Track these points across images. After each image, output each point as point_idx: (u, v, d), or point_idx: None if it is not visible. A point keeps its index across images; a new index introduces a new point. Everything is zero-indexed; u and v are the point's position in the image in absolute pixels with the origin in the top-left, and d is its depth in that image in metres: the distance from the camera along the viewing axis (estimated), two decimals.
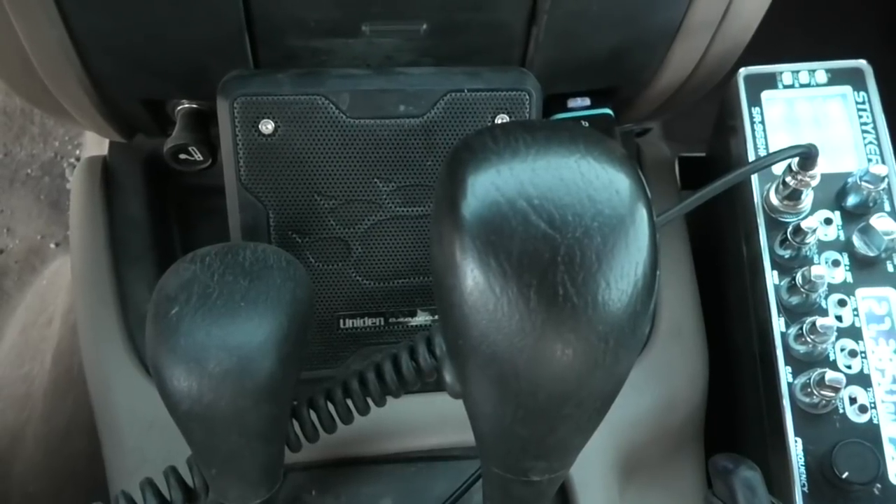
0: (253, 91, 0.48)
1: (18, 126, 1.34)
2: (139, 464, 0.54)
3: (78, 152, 1.33)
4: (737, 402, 0.61)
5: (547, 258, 0.27)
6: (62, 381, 0.87)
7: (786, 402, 0.51)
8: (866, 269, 0.53)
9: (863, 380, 0.51)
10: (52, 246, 1.24)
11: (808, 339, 0.50)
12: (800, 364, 0.52)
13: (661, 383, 0.60)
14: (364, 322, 0.54)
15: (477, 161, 0.30)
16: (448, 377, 0.36)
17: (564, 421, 0.31)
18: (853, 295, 0.53)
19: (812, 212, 0.55)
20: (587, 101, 0.60)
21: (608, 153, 0.30)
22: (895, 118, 0.63)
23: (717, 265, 0.65)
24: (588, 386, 0.30)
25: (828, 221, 0.55)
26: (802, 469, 0.49)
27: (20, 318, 1.06)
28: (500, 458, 0.35)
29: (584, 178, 0.29)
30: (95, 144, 0.73)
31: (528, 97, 0.50)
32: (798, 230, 0.52)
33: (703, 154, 0.73)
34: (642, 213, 0.29)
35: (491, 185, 0.29)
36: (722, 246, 0.64)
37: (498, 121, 0.51)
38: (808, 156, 0.51)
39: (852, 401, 0.50)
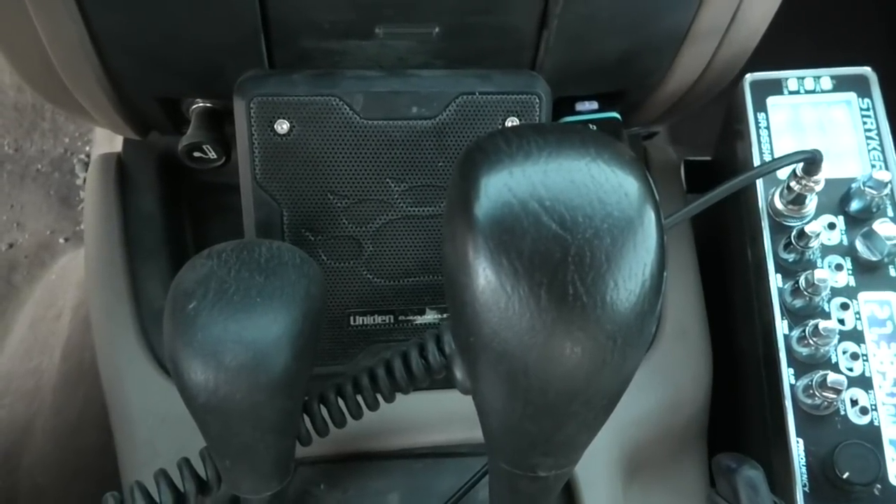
0: (269, 91, 0.49)
1: (29, 122, 1.35)
2: (151, 457, 0.55)
3: (88, 149, 1.34)
4: (740, 403, 0.62)
5: (558, 258, 0.28)
6: (72, 376, 0.88)
7: (788, 404, 0.51)
8: (869, 273, 0.54)
9: (864, 382, 0.51)
10: (62, 241, 1.25)
11: (811, 342, 0.51)
12: (802, 366, 0.52)
13: (665, 383, 0.60)
14: (374, 319, 0.55)
15: (490, 163, 0.30)
16: (458, 373, 0.37)
17: (572, 418, 0.32)
18: (855, 298, 0.54)
19: (816, 216, 0.56)
20: (595, 105, 0.61)
21: (618, 156, 0.31)
22: None
23: (723, 268, 0.66)
24: (596, 383, 0.30)
25: (831, 226, 0.55)
26: (804, 469, 0.50)
27: (29, 313, 1.07)
28: (507, 454, 0.36)
29: (595, 181, 0.30)
30: (105, 141, 0.74)
31: (538, 100, 0.51)
32: (802, 234, 0.53)
33: (709, 158, 0.73)
34: (650, 216, 0.30)
35: (503, 186, 0.29)
36: (727, 249, 0.65)
37: (508, 123, 0.51)
38: (812, 161, 0.52)
39: (853, 403, 0.51)
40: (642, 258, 0.29)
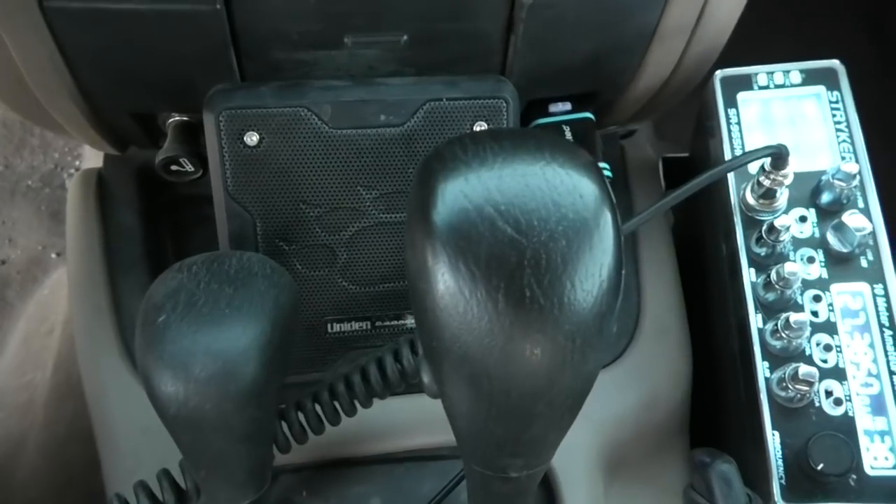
0: (238, 104, 0.49)
1: (18, 138, 1.35)
2: (135, 467, 0.55)
3: (78, 163, 1.34)
4: (719, 398, 0.62)
5: (514, 262, 0.28)
6: (62, 389, 0.89)
7: (763, 397, 0.52)
8: (841, 265, 0.54)
9: (838, 373, 0.52)
10: (53, 256, 1.25)
11: (784, 335, 0.51)
12: (776, 359, 0.53)
13: (645, 381, 0.61)
14: (351, 326, 0.55)
15: (446, 170, 0.31)
16: (426, 378, 0.37)
17: (537, 418, 0.32)
18: (828, 290, 0.54)
19: (787, 210, 0.56)
20: (568, 106, 0.61)
21: (572, 159, 0.32)
22: (879, 115, 0.64)
23: (700, 264, 0.66)
24: (558, 384, 0.31)
25: (803, 219, 0.56)
26: (780, 462, 0.50)
27: (22, 328, 1.08)
28: (478, 456, 0.36)
29: (549, 184, 0.30)
30: (95, 156, 0.74)
31: (505, 104, 0.52)
32: (772, 228, 0.53)
33: (687, 154, 0.74)
34: (606, 217, 0.30)
35: (459, 192, 0.30)
36: (703, 245, 0.65)
37: (476, 128, 0.52)
38: (778, 156, 0.52)
39: (828, 394, 0.51)
40: (599, 259, 0.30)
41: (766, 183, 0.54)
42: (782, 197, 0.56)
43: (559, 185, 0.30)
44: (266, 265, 0.41)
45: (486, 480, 0.37)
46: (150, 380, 0.37)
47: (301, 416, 0.46)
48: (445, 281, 0.29)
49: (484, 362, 0.30)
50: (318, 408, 0.46)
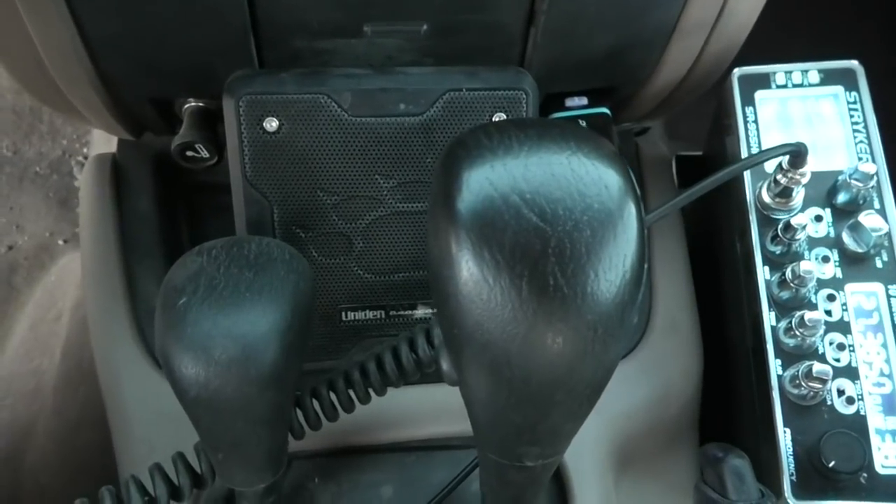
0: (258, 90, 0.49)
1: (27, 124, 1.35)
2: (148, 453, 0.55)
3: (86, 150, 1.34)
4: (731, 394, 0.62)
5: (538, 250, 0.28)
6: (72, 376, 0.89)
7: (775, 394, 0.52)
8: (855, 265, 0.54)
9: (850, 372, 0.52)
10: (61, 243, 1.26)
11: (797, 333, 0.51)
12: (789, 357, 0.53)
13: (656, 376, 0.61)
14: (366, 315, 0.55)
15: (471, 157, 0.31)
16: (444, 365, 0.37)
17: (556, 407, 0.32)
18: (842, 290, 0.54)
19: (803, 209, 0.56)
20: (585, 101, 0.61)
21: (598, 150, 0.32)
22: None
23: (714, 261, 0.66)
24: (578, 373, 0.31)
25: (818, 218, 0.56)
26: (791, 459, 0.50)
27: (29, 314, 1.08)
28: (494, 444, 0.36)
29: (575, 174, 0.30)
30: (103, 142, 0.74)
31: (524, 96, 0.52)
32: (788, 227, 0.53)
33: (700, 153, 0.74)
34: (630, 208, 0.30)
35: (485, 179, 0.30)
36: (718, 242, 0.65)
37: (495, 119, 0.52)
38: (797, 154, 0.52)
39: (840, 393, 0.52)
40: (622, 249, 0.30)
41: (783, 181, 0.54)
42: (798, 196, 0.56)
43: (585, 176, 0.30)
44: (285, 251, 0.41)
45: (501, 469, 0.37)
46: (170, 362, 0.37)
47: (315, 403, 0.46)
48: (469, 268, 0.29)
49: (506, 350, 0.30)
50: (332, 395, 0.46)
